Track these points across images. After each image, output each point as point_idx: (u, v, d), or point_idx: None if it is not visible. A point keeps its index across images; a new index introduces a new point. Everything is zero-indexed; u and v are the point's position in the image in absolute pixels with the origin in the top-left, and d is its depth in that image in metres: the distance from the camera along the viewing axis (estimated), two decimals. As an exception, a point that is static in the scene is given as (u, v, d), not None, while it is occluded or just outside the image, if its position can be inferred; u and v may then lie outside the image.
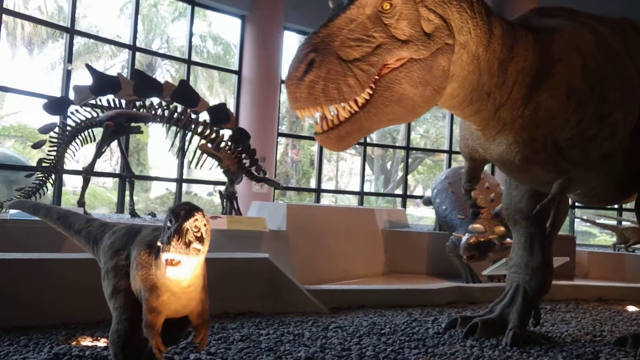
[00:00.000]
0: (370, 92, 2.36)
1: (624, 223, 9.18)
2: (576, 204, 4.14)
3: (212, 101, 13.93)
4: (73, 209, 5.46)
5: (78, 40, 14.65)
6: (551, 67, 2.97)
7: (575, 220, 11.68)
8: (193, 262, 2.12)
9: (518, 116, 2.97)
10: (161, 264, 2.15)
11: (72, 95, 6.28)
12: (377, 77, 2.37)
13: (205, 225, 2.13)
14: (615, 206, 9.68)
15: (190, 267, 2.13)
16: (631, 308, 5.24)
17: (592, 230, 16.05)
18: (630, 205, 3.89)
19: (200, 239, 2.09)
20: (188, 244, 2.05)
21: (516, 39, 2.89)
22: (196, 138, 6.64)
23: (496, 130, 3.05)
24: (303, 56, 2.26)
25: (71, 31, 9.04)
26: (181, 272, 2.12)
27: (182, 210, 2.09)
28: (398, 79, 2.41)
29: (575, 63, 3.01)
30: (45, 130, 5.92)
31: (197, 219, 2.09)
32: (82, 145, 6.15)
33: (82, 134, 6.06)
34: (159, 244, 2.15)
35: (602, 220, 9.52)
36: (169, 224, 2.09)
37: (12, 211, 4.96)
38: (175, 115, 6.49)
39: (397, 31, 2.41)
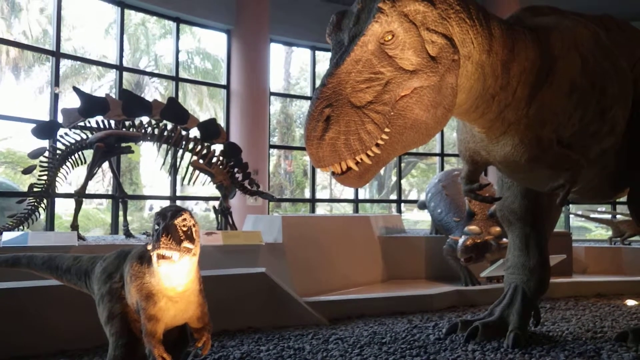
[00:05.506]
0: (388, 129, 2.33)
1: (618, 216, 9.18)
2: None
3: (203, 116, 13.98)
4: (66, 233, 5.45)
5: (65, 63, 14.61)
6: (552, 65, 2.96)
7: (570, 216, 11.67)
8: (185, 262, 2.10)
9: (523, 116, 2.94)
10: (154, 270, 2.13)
11: (60, 119, 6.25)
12: (391, 113, 2.35)
13: (194, 225, 2.12)
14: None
15: (183, 267, 2.11)
16: (630, 302, 5.25)
17: (587, 225, 16.07)
18: (623, 198, 3.89)
19: (189, 238, 2.08)
20: (178, 241, 2.05)
21: (515, 39, 2.87)
22: (188, 155, 6.63)
23: (501, 132, 3.02)
24: (318, 113, 2.23)
25: (57, 54, 9.02)
26: (174, 269, 2.10)
27: (169, 211, 2.10)
28: (410, 106, 2.38)
29: (575, 59, 3.00)
30: (35, 155, 5.89)
31: (185, 219, 2.09)
32: (73, 168, 6.11)
33: (73, 157, 6.03)
34: (149, 247, 2.14)
35: (596, 215, 9.54)
36: (157, 226, 2.09)
37: (4, 238, 4.91)
38: (166, 133, 6.48)
39: (403, 62, 2.37)
